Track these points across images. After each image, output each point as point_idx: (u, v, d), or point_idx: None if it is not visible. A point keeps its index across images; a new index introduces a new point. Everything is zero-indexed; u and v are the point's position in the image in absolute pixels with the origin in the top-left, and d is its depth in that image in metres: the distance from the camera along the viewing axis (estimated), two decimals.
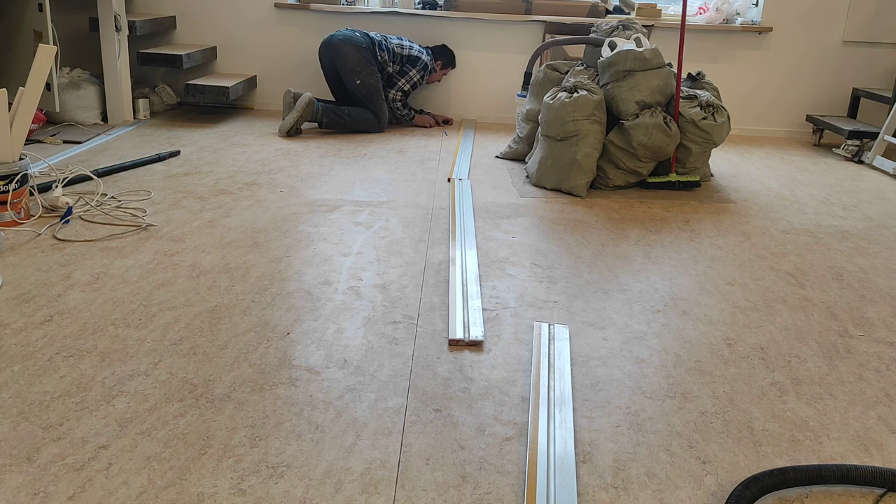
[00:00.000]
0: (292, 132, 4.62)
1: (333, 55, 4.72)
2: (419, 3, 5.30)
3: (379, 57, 4.75)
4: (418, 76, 4.90)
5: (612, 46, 3.94)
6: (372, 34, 4.80)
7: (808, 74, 5.35)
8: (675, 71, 3.96)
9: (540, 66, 4.47)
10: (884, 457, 1.77)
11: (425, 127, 5.09)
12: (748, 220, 3.49)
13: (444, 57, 5.13)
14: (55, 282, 2.46)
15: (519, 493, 1.57)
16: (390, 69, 4.84)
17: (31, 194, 3.06)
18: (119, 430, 1.70)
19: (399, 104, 4.95)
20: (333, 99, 4.98)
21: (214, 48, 5.31)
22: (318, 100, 4.77)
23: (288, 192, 3.53)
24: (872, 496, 1.63)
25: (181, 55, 4.75)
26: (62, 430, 1.69)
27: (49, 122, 4.56)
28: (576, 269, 2.80)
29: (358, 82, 4.68)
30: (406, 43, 4.91)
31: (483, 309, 2.42)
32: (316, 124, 4.81)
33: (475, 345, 2.19)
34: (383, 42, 4.81)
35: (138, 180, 3.61)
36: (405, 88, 4.90)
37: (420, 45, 5.01)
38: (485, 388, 1.97)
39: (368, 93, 4.73)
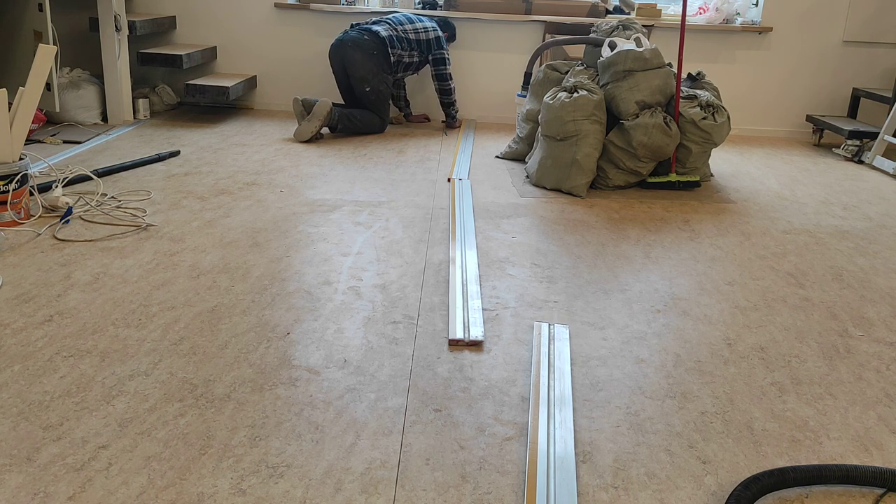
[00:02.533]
0: (313, 139, 4.56)
1: (345, 61, 4.67)
2: (419, 3, 5.30)
3: (392, 56, 4.67)
4: (447, 53, 4.89)
5: (612, 46, 3.94)
6: (382, 32, 4.64)
7: (808, 74, 5.35)
8: (675, 71, 3.96)
9: (540, 66, 4.47)
10: (884, 457, 1.77)
11: (455, 128, 5.12)
12: (748, 220, 3.49)
13: (448, 29, 5.08)
14: (55, 282, 2.46)
15: (519, 493, 1.57)
16: (407, 59, 4.78)
17: (31, 194, 3.06)
18: (119, 430, 1.70)
19: (451, 98, 4.97)
20: (342, 100, 4.92)
21: (214, 48, 5.31)
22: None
23: (288, 192, 3.53)
24: (872, 496, 1.63)
25: (181, 55, 4.75)
26: (62, 430, 1.69)
27: (49, 122, 4.56)
28: (576, 269, 2.80)
29: (368, 89, 4.67)
30: (420, 25, 4.80)
31: (483, 309, 2.41)
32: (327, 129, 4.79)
33: (475, 345, 2.19)
34: (394, 37, 4.67)
35: (138, 180, 3.61)
36: (450, 71, 4.89)
37: (428, 19, 4.91)
38: (485, 388, 1.97)
39: (377, 99, 4.74)
